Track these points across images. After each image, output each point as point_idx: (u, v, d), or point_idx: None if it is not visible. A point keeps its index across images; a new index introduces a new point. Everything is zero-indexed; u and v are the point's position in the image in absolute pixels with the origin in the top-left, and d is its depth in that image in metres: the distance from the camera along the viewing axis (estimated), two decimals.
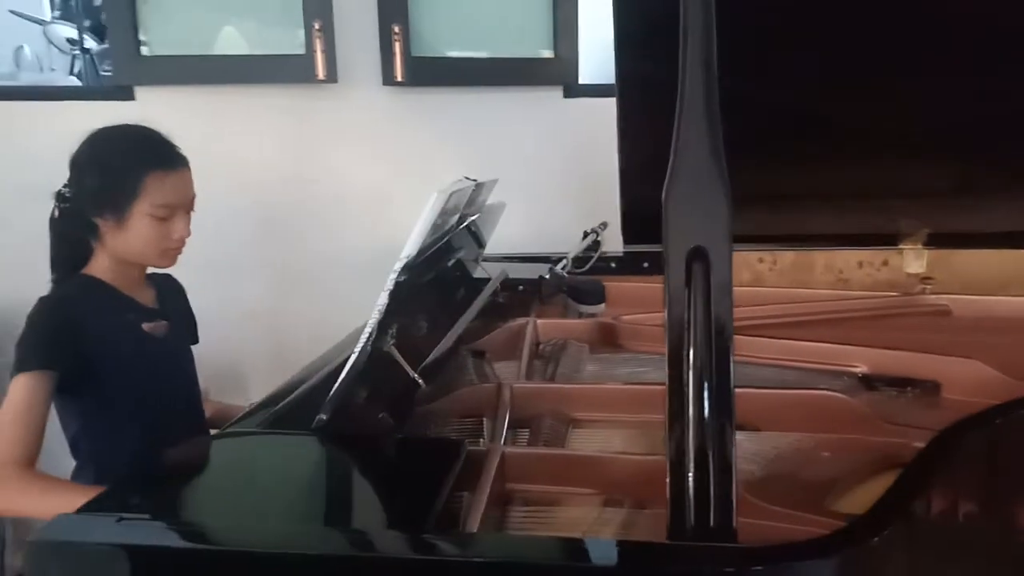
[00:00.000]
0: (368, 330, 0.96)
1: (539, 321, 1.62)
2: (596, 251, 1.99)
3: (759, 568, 0.66)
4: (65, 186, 1.40)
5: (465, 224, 1.31)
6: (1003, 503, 0.86)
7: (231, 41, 2.32)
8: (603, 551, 0.74)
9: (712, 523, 0.69)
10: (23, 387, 1.26)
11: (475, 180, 1.24)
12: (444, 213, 1.07)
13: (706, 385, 0.72)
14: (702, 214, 0.73)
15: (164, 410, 1.43)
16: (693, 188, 0.74)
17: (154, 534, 0.73)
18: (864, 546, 0.70)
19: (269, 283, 2.44)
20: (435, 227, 1.05)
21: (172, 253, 1.44)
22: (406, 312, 1.21)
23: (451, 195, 1.03)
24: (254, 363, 2.40)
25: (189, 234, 1.43)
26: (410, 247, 0.98)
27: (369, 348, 0.96)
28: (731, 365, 0.71)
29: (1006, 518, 0.85)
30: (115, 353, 1.38)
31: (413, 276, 1.04)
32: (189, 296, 1.66)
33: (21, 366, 1.27)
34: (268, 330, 2.43)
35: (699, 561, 0.68)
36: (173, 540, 0.72)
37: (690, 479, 0.70)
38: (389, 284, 0.96)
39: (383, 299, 0.96)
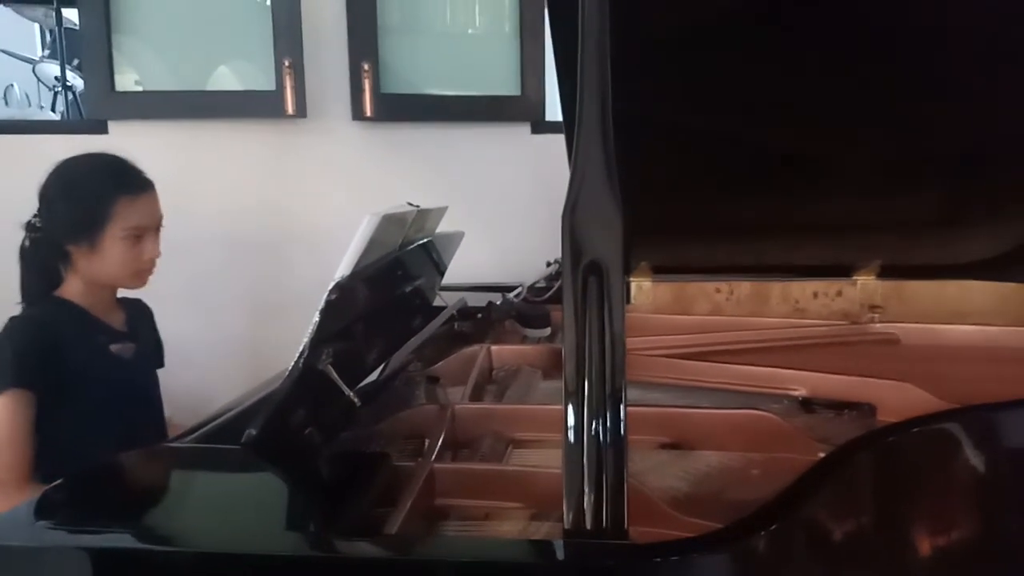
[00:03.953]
0: (300, 348, 0.99)
1: (493, 348, 1.65)
2: (558, 280, 2.03)
3: (644, 561, 0.69)
4: (35, 216, 1.45)
5: (411, 248, 1.34)
6: (897, 516, 0.88)
7: (215, 79, 2.39)
8: (507, 549, 0.78)
9: (604, 524, 0.72)
10: (4, 408, 1.30)
11: (416, 205, 1.28)
12: (382, 237, 1.11)
13: (602, 398, 0.75)
14: (598, 233, 0.77)
15: (127, 431, 1.45)
16: (591, 210, 0.78)
17: (60, 537, 0.76)
18: (749, 546, 0.73)
19: (242, 313, 2.48)
20: (372, 249, 1.08)
21: (144, 274, 1.50)
22: (352, 335, 1.24)
23: (384, 218, 1.06)
24: (226, 391, 2.42)
25: (159, 254, 1.49)
26: (343, 268, 1.02)
27: (301, 366, 0.99)
28: (623, 380, 0.74)
29: (901, 531, 0.88)
30: (83, 373, 1.42)
31: (351, 296, 1.08)
32: (164, 324, 1.70)
33: (1, 387, 1.31)
34: (240, 359, 2.46)
35: (591, 555, 0.71)
36: (79, 541, 0.75)
37: (586, 487, 0.73)
38: (321, 303, 0.99)
39: (315, 318, 0.99)
